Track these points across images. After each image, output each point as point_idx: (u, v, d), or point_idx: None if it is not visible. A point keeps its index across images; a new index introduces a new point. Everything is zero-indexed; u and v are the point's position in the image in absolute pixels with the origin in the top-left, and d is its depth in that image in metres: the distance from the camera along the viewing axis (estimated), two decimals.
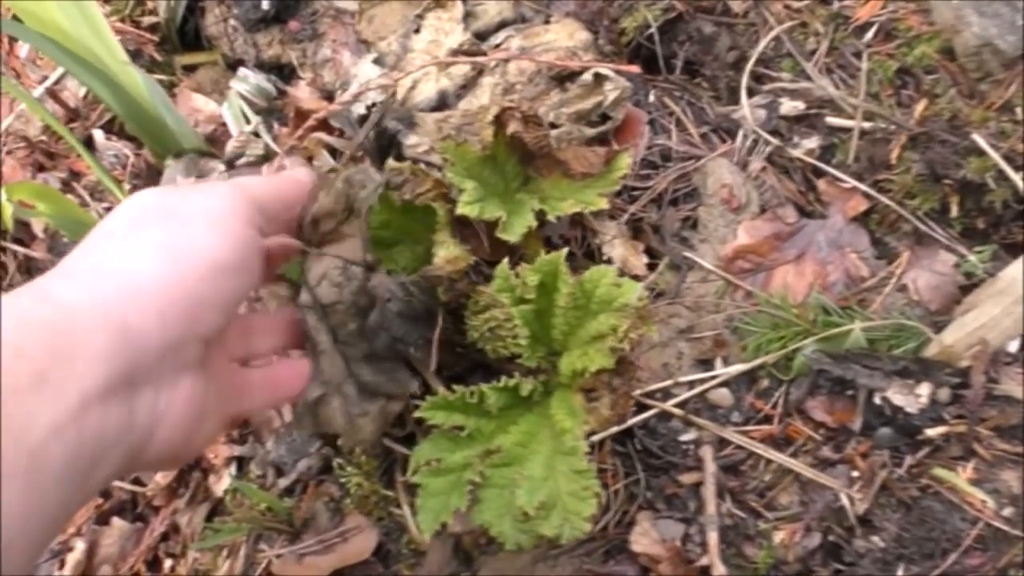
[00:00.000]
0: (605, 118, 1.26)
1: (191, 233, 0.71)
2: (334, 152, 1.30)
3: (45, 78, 1.45)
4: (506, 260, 1.04)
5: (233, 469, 1.25)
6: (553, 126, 1.22)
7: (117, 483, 1.28)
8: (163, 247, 0.69)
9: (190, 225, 0.71)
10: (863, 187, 1.19)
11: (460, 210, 1.05)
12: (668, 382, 1.15)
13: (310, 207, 0.95)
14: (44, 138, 1.44)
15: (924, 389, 1.06)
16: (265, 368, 0.92)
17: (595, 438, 1.12)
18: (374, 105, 1.29)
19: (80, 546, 1.26)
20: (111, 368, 0.62)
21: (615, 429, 1.12)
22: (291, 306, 0.97)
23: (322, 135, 1.32)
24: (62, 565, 1.26)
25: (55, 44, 1.11)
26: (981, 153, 1.10)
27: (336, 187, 0.97)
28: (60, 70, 1.45)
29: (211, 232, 0.72)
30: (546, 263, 1.02)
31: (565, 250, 1.02)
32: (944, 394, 1.06)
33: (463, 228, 1.14)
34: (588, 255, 1.24)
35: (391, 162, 1.19)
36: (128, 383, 0.64)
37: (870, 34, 1.27)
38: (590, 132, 1.24)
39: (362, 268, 0.95)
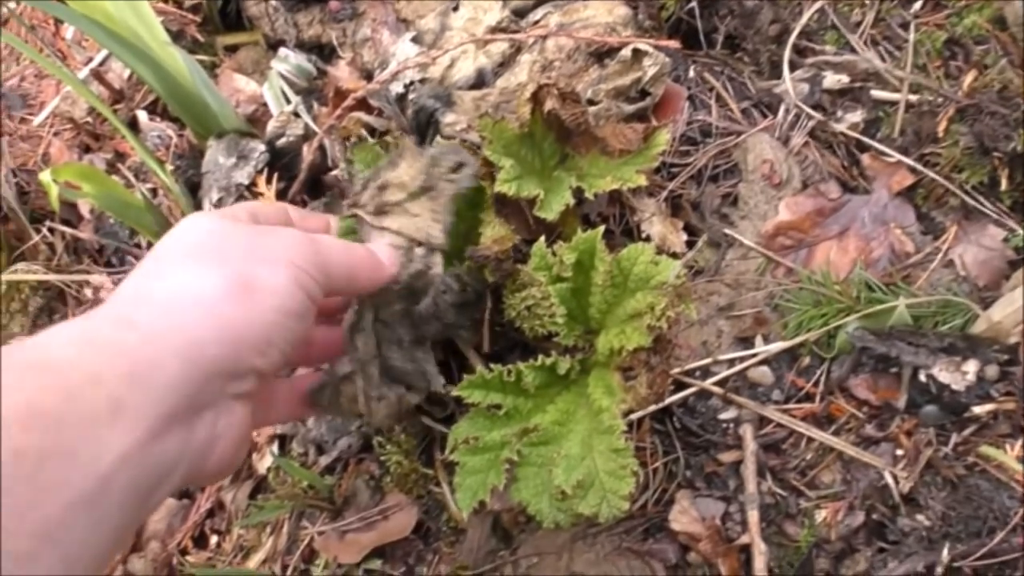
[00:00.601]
0: (644, 94, 1.24)
1: (268, 275, 0.72)
2: (372, 131, 1.31)
3: (90, 59, 1.47)
4: (543, 238, 1.04)
5: (275, 447, 1.26)
6: (591, 103, 1.21)
7: None
8: (241, 284, 0.70)
9: (267, 266, 0.73)
10: (909, 161, 1.17)
11: (497, 187, 1.05)
12: (707, 360, 1.14)
13: (385, 172, 0.95)
14: (90, 119, 1.46)
15: (971, 366, 1.04)
16: (288, 380, 0.94)
17: (633, 416, 1.12)
18: (412, 84, 1.29)
19: None
20: (181, 395, 0.64)
21: (654, 408, 1.12)
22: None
23: (361, 114, 1.32)
24: None
25: (99, 25, 1.13)
26: None
27: (420, 161, 0.97)
28: (105, 52, 1.47)
29: (286, 279, 0.73)
30: (583, 241, 1.02)
31: (602, 228, 1.01)
32: (992, 371, 1.04)
33: (505, 207, 1.14)
34: (626, 233, 1.23)
35: (440, 140, 1.19)
36: (193, 409, 0.66)
37: (918, 4, 1.24)
38: (629, 108, 1.22)
39: (426, 251, 0.95)
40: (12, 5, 1.52)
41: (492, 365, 1.03)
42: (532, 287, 1.04)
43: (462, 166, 0.98)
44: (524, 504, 1.01)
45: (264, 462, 1.26)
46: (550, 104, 1.08)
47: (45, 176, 1.12)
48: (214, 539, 1.28)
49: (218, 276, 0.70)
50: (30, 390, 0.57)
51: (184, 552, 1.27)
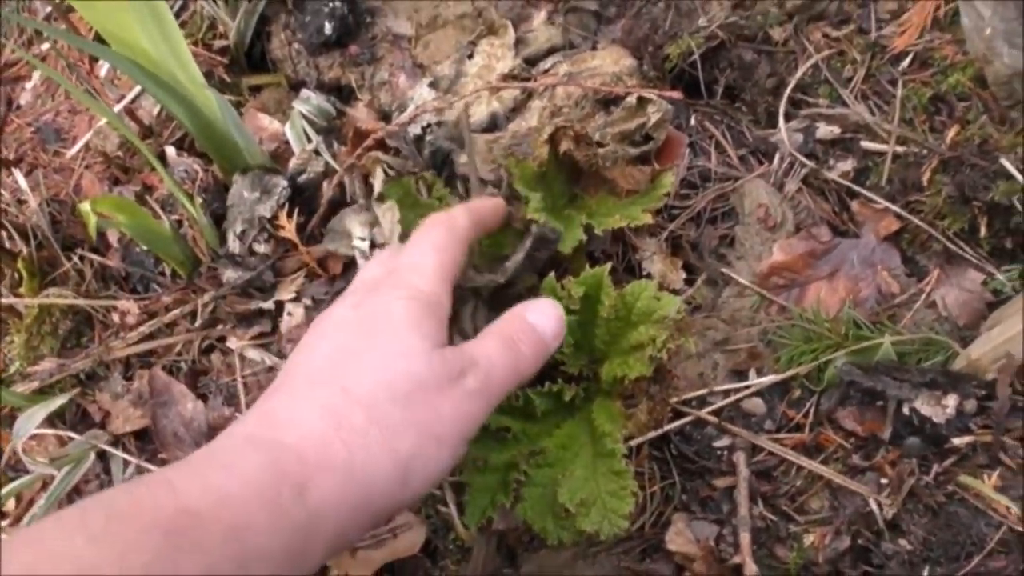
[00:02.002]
0: (648, 139, 1.32)
1: (430, 462, 0.74)
2: (390, 169, 1.38)
3: (122, 97, 1.55)
4: (552, 273, 1.11)
5: None
6: (599, 145, 1.29)
7: None
8: (401, 475, 0.72)
9: (433, 446, 0.74)
10: (895, 208, 1.24)
11: (529, 215, 1.12)
12: (703, 391, 1.21)
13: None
14: (120, 154, 1.53)
15: (951, 400, 1.11)
16: None
17: (633, 443, 1.18)
18: (429, 126, 1.37)
19: None
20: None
21: (652, 435, 1.18)
22: None
23: (379, 154, 1.40)
24: None
25: (135, 64, 1.20)
26: (1009, 177, 1.14)
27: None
28: (137, 89, 1.55)
29: (449, 459, 0.77)
30: (591, 276, 1.09)
31: (609, 264, 1.08)
32: (971, 405, 1.11)
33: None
34: (628, 270, 1.30)
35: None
36: None
37: (906, 63, 1.32)
38: (633, 152, 1.30)
39: None
40: (47, 45, 1.60)
41: None
42: None
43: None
44: (530, 522, 1.07)
45: None
46: (565, 145, 1.16)
47: (85, 207, 1.19)
48: None
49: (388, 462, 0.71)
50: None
51: None
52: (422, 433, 0.72)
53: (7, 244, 1.43)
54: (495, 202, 1.05)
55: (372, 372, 0.73)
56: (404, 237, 1.27)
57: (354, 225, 1.36)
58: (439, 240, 0.87)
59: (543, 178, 1.20)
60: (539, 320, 0.88)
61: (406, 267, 0.84)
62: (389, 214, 1.26)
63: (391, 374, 0.73)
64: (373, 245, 1.29)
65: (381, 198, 1.25)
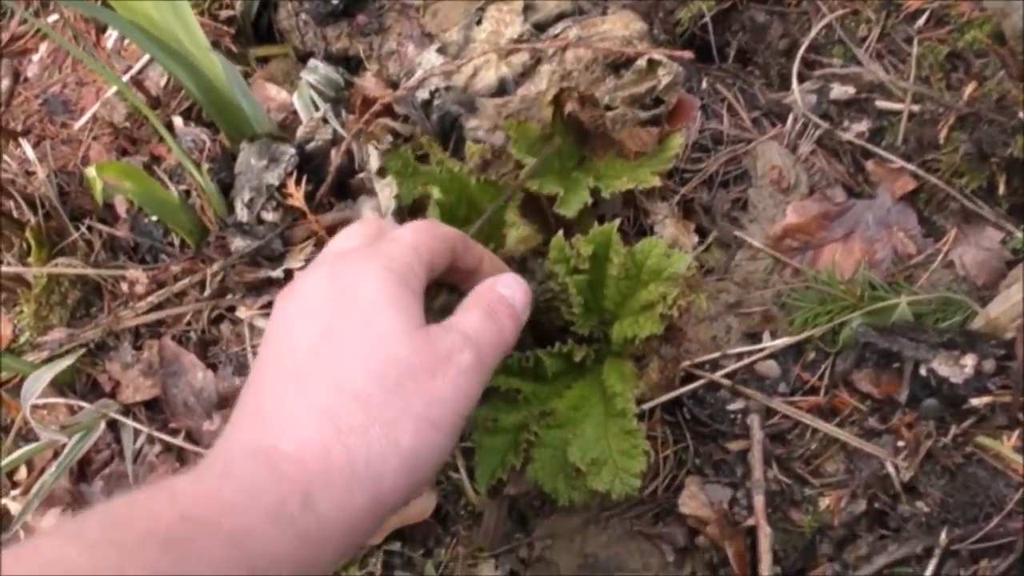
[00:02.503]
0: (658, 102, 1.30)
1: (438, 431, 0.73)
2: (398, 136, 1.37)
3: (129, 68, 1.54)
4: (561, 232, 1.09)
5: None
6: (608, 109, 1.27)
7: (192, 448, 1.35)
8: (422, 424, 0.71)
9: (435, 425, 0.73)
10: (911, 167, 1.22)
11: (522, 178, 1.11)
12: (716, 354, 1.19)
13: None
14: (127, 124, 1.52)
15: (969, 360, 1.09)
16: None
17: (646, 407, 1.16)
18: (437, 91, 1.35)
19: None
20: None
21: (665, 398, 1.16)
22: None
23: (387, 120, 1.38)
24: None
25: (142, 31, 1.19)
26: None
27: None
28: (143, 60, 1.54)
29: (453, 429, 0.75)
30: (599, 234, 1.07)
31: (617, 221, 1.06)
32: (989, 365, 1.09)
33: (526, 209, 1.20)
34: (640, 234, 1.29)
35: (472, 145, 1.25)
36: None
37: (921, 20, 1.30)
38: (643, 115, 1.28)
39: None
40: (56, 17, 1.60)
41: (516, 352, 1.09)
42: (550, 280, 1.09)
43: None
44: (540, 483, 1.06)
45: None
46: (570, 107, 1.15)
47: (91, 172, 1.19)
48: None
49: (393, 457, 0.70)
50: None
51: None
52: (420, 420, 0.70)
53: (15, 214, 1.43)
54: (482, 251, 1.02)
55: (360, 360, 0.71)
56: (400, 212, 1.26)
57: (366, 212, 1.35)
58: (421, 226, 0.84)
59: (549, 140, 1.18)
60: (509, 292, 0.85)
61: (383, 241, 0.81)
62: (387, 189, 1.25)
63: (380, 362, 0.71)
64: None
65: (381, 172, 1.23)
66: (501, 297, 0.84)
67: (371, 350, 0.71)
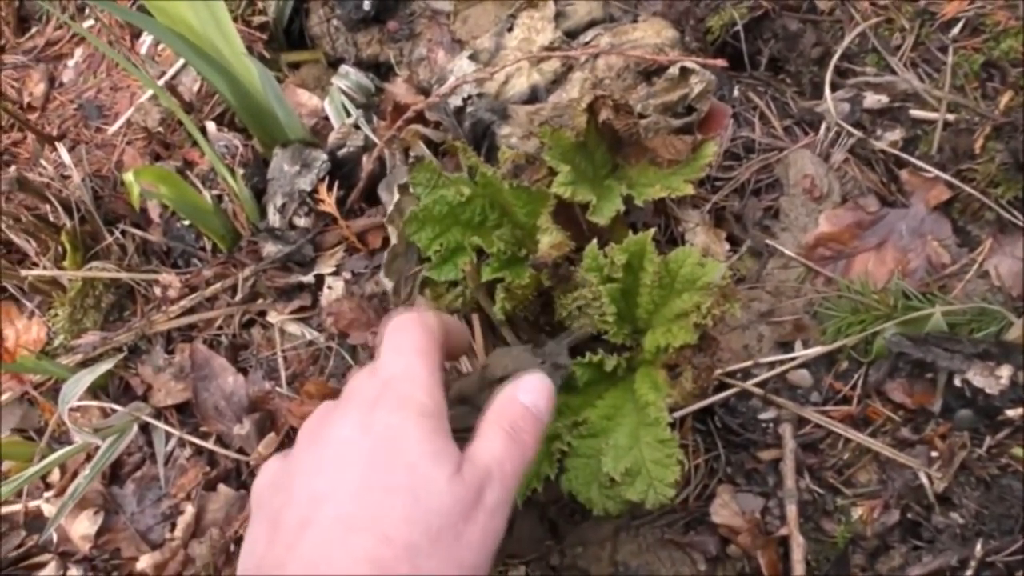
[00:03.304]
0: (691, 110, 1.30)
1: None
2: (430, 143, 1.37)
3: (163, 73, 1.55)
4: (595, 241, 1.09)
5: None
6: (641, 117, 1.28)
7: (222, 452, 1.36)
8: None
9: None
10: (946, 177, 1.22)
11: (554, 189, 1.11)
12: (748, 363, 1.19)
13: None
14: (161, 129, 1.54)
15: (1005, 371, 1.08)
16: None
17: (677, 415, 1.17)
18: (469, 98, 1.36)
19: (190, 510, 1.34)
20: None
21: (696, 406, 1.16)
22: None
23: (419, 127, 1.39)
24: (173, 528, 1.35)
25: (179, 37, 1.20)
26: None
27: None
28: (177, 65, 1.55)
29: None
30: (633, 243, 1.07)
31: (652, 230, 1.06)
32: None
33: (559, 216, 1.20)
34: (671, 242, 1.29)
35: (506, 149, 1.26)
36: None
37: (956, 29, 1.29)
38: (676, 123, 1.28)
39: None
40: (92, 22, 1.61)
41: None
42: (583, 288, 1.09)
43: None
44: (575, 493, 1.06)
45: None
46: (604, 114, 1.15)
47: (128, 176, 1.20)
48: None
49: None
50: None
51: (240, 539, 1.33)
52: (459, 567, 0.72)
53: (51, 218, 1.44)
54: (462, 325, 1.03)
55: (405, 511, 0.73)
56: (393, 252, 1.26)
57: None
58: (420, 343, 0.85)
59: (583, 148, 1.19)
60: (531, 400, 0.86)
61: (400, 378, 0.82)
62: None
63: (423, 513, 0.73)
64: (391, 252, 1.28)
65: (404, 188, 1.24)
66: (523, 411, 0.85)
67: (416, 501, 0.73)
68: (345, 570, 0.69)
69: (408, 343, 0.85)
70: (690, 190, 1.17)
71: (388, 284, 1.30)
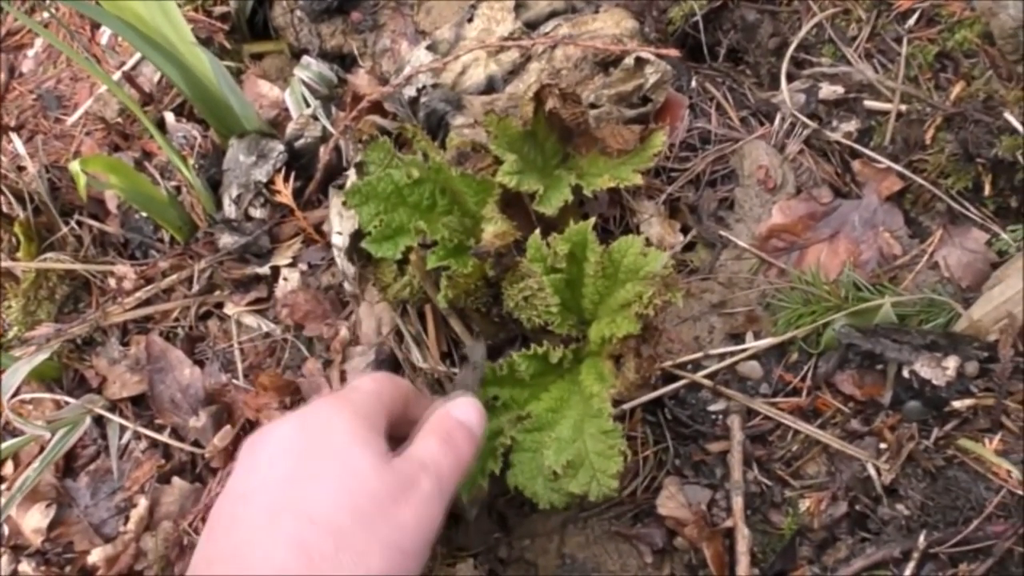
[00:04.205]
0: (646, 100, 1.30)
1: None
2: (386, 132, 1.36)
3: (123, 64, 1.54)
4: (538, 231, 1.09)
5: None
6: (594, 106, 1.27)
7: (177, 444, 1.35)
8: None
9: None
10: (898, 167, 1.21)
11: (499, 179, 1.10)
12: (699, 354, 1.18)
13: None
14: (120, 120, 1.53)
15: (951, 362, 1.07)
16: None
17: (626, 407, 1.16)
18: (424, 88, 1.35)
19: (143, 503, 1.33)
20: None
21: (645, 398, 1.16)
22: None
23: (376, 117, 1.38)
24: (126, 520, 1.34)
25: (131, 27, 1.19)
26: (1013, 131, 1.11)
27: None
28: (136, 57, 1.54)
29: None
30: (575, 232, 1.07)
31: (593, 219, 1.06)
32: (972, 367, 1.08)
33: (510, 206, 1.19)
34: (626, 233, 1.27)
35: (454, 136, 1.25)
36: None
37: (912, 20, 1.29)
38: (630, 113, 1.28)
39: None
40: (52, 11, 1.60)
41: (488, 362, 1.09)
42: (529, 278, 1.09)
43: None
44: (520, 488, 1.06)
45: None
46: (551, 103, 1.14)
47: (74, 166, 1.19)
48: None
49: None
50: None
51: (195, 532, 1.32)
52: (388, 547, 0.74)
53: (4, 209, 1.43)
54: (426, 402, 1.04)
55: (333, 495, 0.75)
56: (353, 248, 1.27)
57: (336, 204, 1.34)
58: (380, 376, 0.91)
59: (531, 137, 1.18)
60: (464, 414, 0.91)
61: (347, 390, 0.88)
62: (348, 222, 1.26)
63: (351, 495, 0.75)
64: (355, 237, 1.27)
65: (360, 166, 1.23)
66: (457, 424, 0.89)
67: (343, 485, 0.76)
68: (269, 553, 0.71)
69: (368, 375, 0.92)
70: (639, 180, 1.16)
71: (349, 269, 1.29)
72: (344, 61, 1.59)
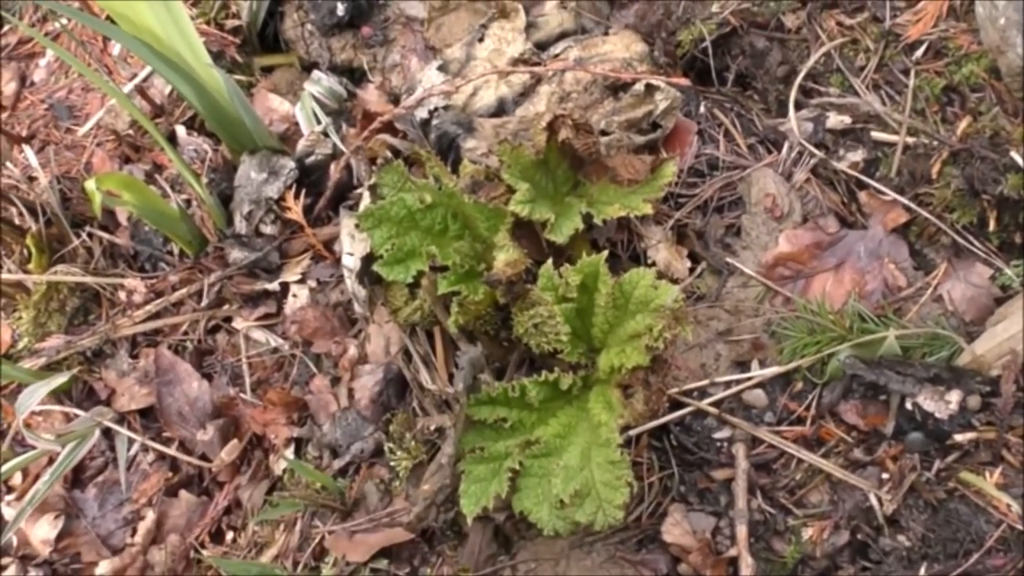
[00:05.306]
0: (655, 127, 1.31)
1: None
2: (398, 153, 1.37)
3: (135, 75, 1.55)
4: (550, 261, 1.10)
5: (291, 451, 1.32)
6: (604, 133, 1.28)
7: (185, 458, 1.37)
8: None
9: None
10: (904, 200, 1.23)
11: (511, 207, 1.12)
12: (705, 382, 1.20)
13: None
14: (131, 132, 1.54)
15: (954, 396, 1.09)
16: None
17: (632, 433, 1.17)
18: (436, 110, 1.36)
19: (151, 516, 1.35)
20: None
21: (652, 425, 1.17)
22: None
23: (387, 137, 1.39)
24: (134, 532, 1.36)
25: (145, 45, 1.20)
26: (1019, 170, 1.13)
27: None
28: (148, 68, 1.55)
29: None
30: (588, 264, 1.08)
31: (606, 252, 1.07)
32: (974, 401, 1.09)
33: (521, 232, 1.21)
34: (633, 258, 1.29)
35: (467, 163, 1.26)
36: None
37: (920, 52, 1.30)
38: (640, 140, 1.29)
39: None
40: (64, 21, 1.61)
41: (498, 383, 1.11)
42: (540, 306, 1.10)
43: None
44: (525, 512, 1.07)
45: (280, 463, 1.33)
46: (564, 133, 1.15)
47: (90, 184, 1.20)
48: (230, 535, 1.34)
49: None
50: None
51: (201, 546, 1.33)
52: None
53: (16, 220, 1.44)
54: None
55: None
56: (365, 272, 1.28)
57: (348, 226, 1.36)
58: None
59: (543, 165, 1.19)
60: None
61: None
62: (360, 244, 1.28)
63: None
64: (366, 259, 1.28)
65: (373, 188, 1.24)
66: None
67: None
68: None
69: None
70: (649, 210, 1.17)
71: (360, 292, 1.30)
72: (354, 75, 1.60)
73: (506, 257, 1.11)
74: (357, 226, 1.18)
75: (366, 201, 1.27)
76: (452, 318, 1.12)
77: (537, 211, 1.13)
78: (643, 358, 1.02)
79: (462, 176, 1.21)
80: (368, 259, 1.25)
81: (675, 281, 1.24)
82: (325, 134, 1.46)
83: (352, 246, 1.29)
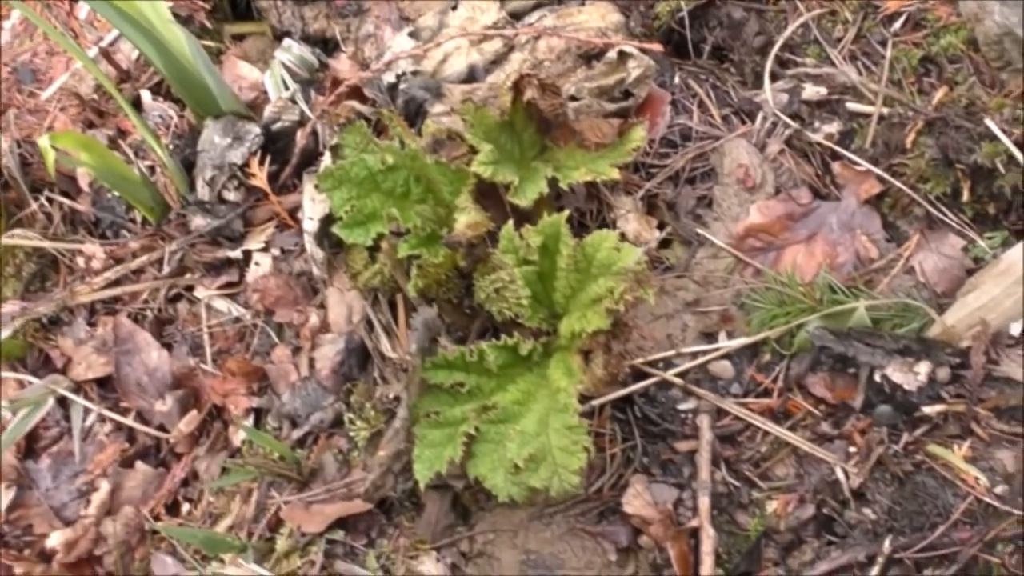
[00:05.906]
0: (627, 95, 1.28)
1: None
2: (365, 119, 1.35)
3: (100, 39, 1.52)
4: (511, 222, 1.07)
5: (251, 420, 1.29)
6: (574, 99, 1.25)
7: (142, 428, 1.34)
8: None
9: None
10: (877, 171, 1.20)
11: (474, 168, 1.09)
12: (670, 352, 1.17)
13: None
14: (96, 96, 1.51)
15: (923, 368, 1.07)
16: None
17: (595, 403, 1.15)
18: (404, 74, 1.34)
19: (105, 487, 1.32)
20: None
21: (615, 395, 1.15)
22: None
23: (355, 103, 1.37)
24: (87, 504, 1.32)
25: (108, 3, 1.17)
26: (994, 138, 1.10)
27: None
28: (115, 32, 1.52)
29: None
30: (549, 224, 1.05)
31: (566, 212, 1.05)
32: (943, 373, 1.07)
33: (485, 196, 1.18)
34: (602, 228, 1.26)
35: (430, 123, 1.23)
36: None
37: (898, 23, 1.28)
38: (611, 107, 1.26)
39: None
40: None
41: (458, 347, 1.08)
42: (501, 270, 1.07)
43: None
44: (480, 478, 1.05)
45: (239, 434, 1.30)
46: (530, 94, 1.13)
47: (43, 141, 1.17)
48: (186, 506, 1.31)
49: None
50: None
51: (156, 518, 1.30)
52: None
53: None
54: None
55: None
56: (323, 233, 1.26)
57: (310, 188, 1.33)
58: None
59: (509, 127, 1.17)
60: None
61: None
62: (320, 205, 1.25)
63: None
64: (325, 221, 1.25)
65: (336, 149, 1.21)
66: None
67: None
68: None
69: None
70: (616, 175, 1.15)
71: (318, 254, 1.27)
72: (327, 45, 1.58)
73: (467, 219, 1.08)
74: (316, 187, 1.15)
75: (327, 162, 1.24)
76: (412, 282, 1.09)
77: (501, 173, 1.10)
78: (604, 321, 0.99)
79: (424, 135, 1.18)
80: (327, 220, 1.22)
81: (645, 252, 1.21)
82: (293, 101, 1.43)
83: (311, 208, 1.26)
